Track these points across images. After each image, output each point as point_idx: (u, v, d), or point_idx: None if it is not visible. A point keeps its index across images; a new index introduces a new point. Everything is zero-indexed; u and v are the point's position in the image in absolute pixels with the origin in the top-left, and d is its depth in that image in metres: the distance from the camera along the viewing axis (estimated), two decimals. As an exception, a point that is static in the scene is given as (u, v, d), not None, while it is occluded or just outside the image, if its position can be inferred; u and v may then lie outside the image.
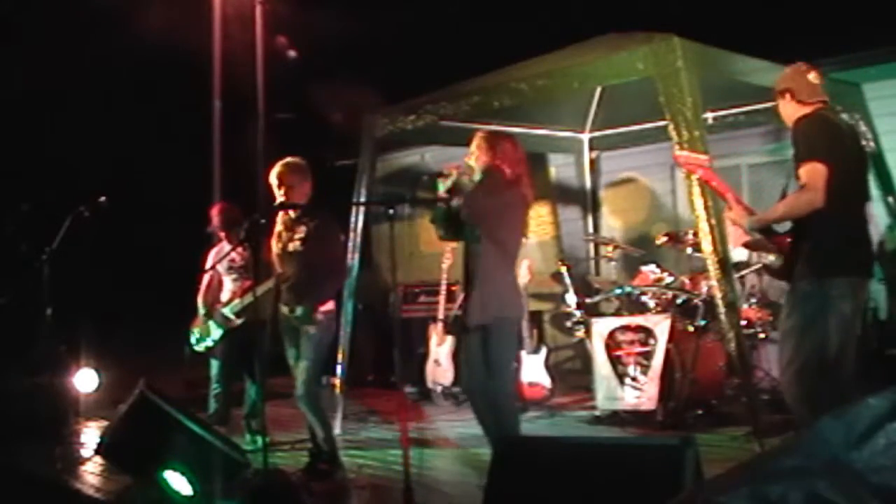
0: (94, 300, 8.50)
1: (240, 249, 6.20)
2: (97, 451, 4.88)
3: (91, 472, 5.66)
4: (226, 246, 6.36)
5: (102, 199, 5.85)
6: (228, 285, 6.31)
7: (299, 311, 5.15)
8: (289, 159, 5.30)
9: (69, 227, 5.77)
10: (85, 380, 7.33)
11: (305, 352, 5.17)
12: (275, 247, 5.32)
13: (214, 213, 6.46)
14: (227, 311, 6.13)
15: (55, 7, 10.27)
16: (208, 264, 6.40)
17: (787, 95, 4.12)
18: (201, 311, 6.32)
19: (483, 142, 4.73)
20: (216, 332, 6.22)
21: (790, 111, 4.11)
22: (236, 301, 6.12)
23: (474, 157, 4.70)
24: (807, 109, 4.04)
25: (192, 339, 6.38)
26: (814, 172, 3.79)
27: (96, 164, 10.62)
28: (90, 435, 6.72)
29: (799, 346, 3.86)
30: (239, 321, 6.11)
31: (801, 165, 3.84)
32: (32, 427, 6.13)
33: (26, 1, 10.66)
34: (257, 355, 5.75)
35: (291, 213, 5.27)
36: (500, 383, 4.66)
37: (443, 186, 4.65)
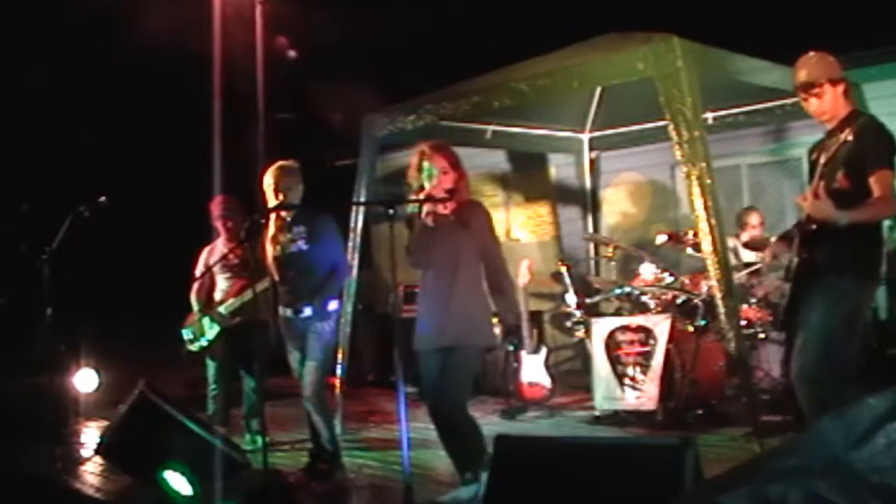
0: (94, 300, 8.51)
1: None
2: (97, 451, 4.89)
3: (91, 472, 5.65)
4: (219, 244, 6.33)
5: (102, 199, 5.84)
6: (221, 284, 6.24)
7: (308, 310, 5.12)
8: (282, 162, 5.28)
9: (69, 227, 5.76)
10: (85, 380, 7.33)
11: (313, 352, 5.15)
12: (271, 251, 5.26)
13: (214, 205, 6.35)
14: (222, 310, 6.11)
15: (55, 7, 10.28)
16: (201, 262, 6.33)
17: (841, 86, 3.93)
18: (196, 308, 6.26)
19: (441, 155, 4.45)
20: (211, 332, 6.18)
21: (833, 104, 3.93)
22: (231, 301, 6.10)
23: (439, 173, 4.41)
24: (850, 105, 3.94)
25: (187, 339, 6.32)
26: (890, 181, 3.73)
27: (96, 164, 10.62)
28: (90, 435, 6.71)
29: (831, 345, 3.80)
30: (235, 321, 6.08)
31: (875, 172, 3.71)
32: (32, 427, 6.13)
33: (26, 1, 10.66)
34: (256, 355, 5.74)
35: (285, 215, 5.24)
36: (461, 403, 4.54)
37: (417, 208, 4.44)
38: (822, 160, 3.84)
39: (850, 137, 3.71)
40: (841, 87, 3.94)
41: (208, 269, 6.16)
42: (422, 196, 4.41)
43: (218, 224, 6.32)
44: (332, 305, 5.20)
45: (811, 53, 4.03)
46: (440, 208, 4.44)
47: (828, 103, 3.94)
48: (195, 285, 6.34)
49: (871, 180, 3.71)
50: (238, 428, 6.35)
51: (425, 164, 4.46)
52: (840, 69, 3.98)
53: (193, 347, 6.30)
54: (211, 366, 6.36)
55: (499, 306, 4.66)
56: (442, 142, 4.72)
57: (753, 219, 6.90)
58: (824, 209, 3.71)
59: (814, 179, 3.88)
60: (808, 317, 3.88)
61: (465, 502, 4.44)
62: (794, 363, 3.91)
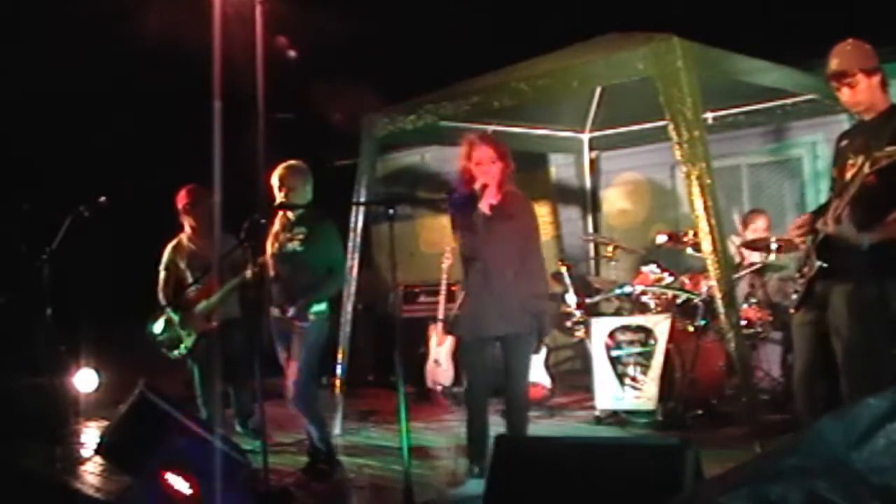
0: (94, 300, 8.50)
1: (204, 245, 6.11)
2: (97, 451, 4.89)
3: (91, 472, 5.66)
4: (184, 239, 6.25)
5: (102, 199, 5.83)
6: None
7: (292, 311, 5.12)
8: (291, 162, 5.29)
9: (69, 227, 5.76)
10: (85, 380, 7.33)
11: (296, 353, 5.15)
12: (270, 248, 5.28)
13: (180, 197, 6.22)
14: (195, 312, 6.02)
15: (55, 7, 10.27)
16: (165, 258, 6.25)
17: (876, 77, 3.78)
18: (173, 317, 6.08)
19: (489, 145, 4.65)
20: (189, 339, 6.05)
21: (868, 95, 3.79)
22: (203, 303, 6.01)
23: (490, 165, 4.61)
24: (889, 99, 3.79)
25: (163, 346, 6.14)
26: None
27: (96, 164, 10.61)
28: (90, 435, 6.72)
29: (878, 354, 3.71)
30: (212, 324, 5.98)
31: None
32: (32, 427, 6.13)
33: (26, 1, 10.65)
34: (239, 355, 5.70)
35: (290, 215, 5.26)
36: (524, 388, 4.70)
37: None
38: (852, 178, 3.61)
39: None
40: (877, 78, 3.80)
41: (206, 272, 6.06)
42: (477, 187, 4.58)
43: (186, 218, 6.21)
44: (319, 307, 5.17)
45: (847, 41, 3.88)
46: (486, 199, 4.57)
47: (861, 94, 3.81)
48: (160, 284, 6.22)
49: None
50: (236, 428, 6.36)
51: (475, 153, 4.62)
52: (876, 59, 3.84)
53: (173, 355, 6.14)
54: (195, 372, 6.21)
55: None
56: (489, 134, 4.96)
57: (759, 223, 6.85)
58: (846, 234, 3.60)
59: (834, 194, 3.73)
60: (840, 332, 3.74)
61: (470, 497, 4.45)
62: (843, 384, 3.75)
